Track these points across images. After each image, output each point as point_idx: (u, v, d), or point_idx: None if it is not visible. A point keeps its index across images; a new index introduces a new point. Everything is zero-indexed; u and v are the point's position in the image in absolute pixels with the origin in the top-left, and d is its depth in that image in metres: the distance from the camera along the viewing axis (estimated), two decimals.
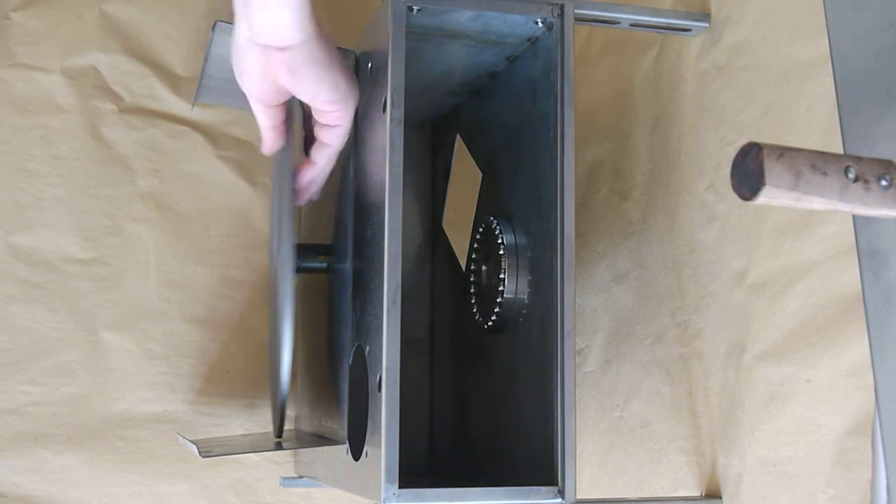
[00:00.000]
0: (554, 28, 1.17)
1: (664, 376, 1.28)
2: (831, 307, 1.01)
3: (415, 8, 1.13)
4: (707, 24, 1.23)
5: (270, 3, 1.00)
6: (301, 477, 1.49)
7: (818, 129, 1.04)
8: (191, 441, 1.26)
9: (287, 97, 1.14)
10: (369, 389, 1.11)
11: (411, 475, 1.08)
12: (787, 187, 0.63)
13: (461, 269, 1.42)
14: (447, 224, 1.51)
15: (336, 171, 1.24)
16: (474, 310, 1.34)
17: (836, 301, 1.00)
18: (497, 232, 1.26)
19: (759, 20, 1.14)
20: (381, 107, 1.12)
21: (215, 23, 1.24)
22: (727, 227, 1.17)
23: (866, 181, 0.66)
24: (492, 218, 1.29)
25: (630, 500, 1.24)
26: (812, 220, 1.04)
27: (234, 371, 1.51)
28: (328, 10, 1.61)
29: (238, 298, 1.53)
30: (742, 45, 1.17)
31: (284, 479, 1.49)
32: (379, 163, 1.12)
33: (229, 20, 1.58)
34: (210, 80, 1.36)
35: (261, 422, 1.52)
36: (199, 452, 1.18)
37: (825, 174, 0.65)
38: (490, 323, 1.28)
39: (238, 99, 1.42)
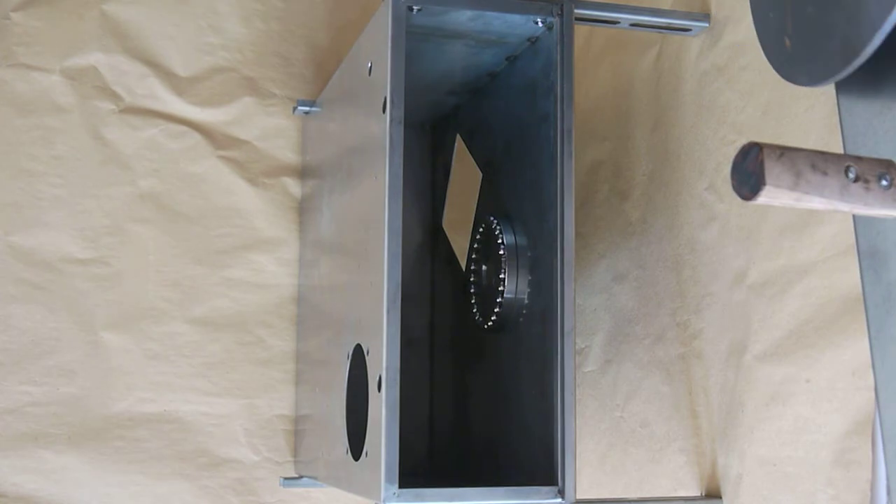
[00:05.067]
0: (554, 28, 1.17)
1: (664, 376, 1.27)
2: (831, 307, 1.01)
3: (415, 8, 1.13)
4: (707, 24, 1.23)
5: None
6: (301, 477, 1.49)
7: (818, 129, 1.04)
8: None
9: None
10: (369, 389, 1.11)
11: (411, 475, 1.08)
12: (787, 187, 0.63)
13: (461, 269, 1.42)
14: (447, 224, 1.51)
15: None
16: (474, 310, 1.34)
17: (836, 301, 1.00)
18: (497, 232, 1.26)
19: None
20: (381, 107, 1.12)
21: None
22: (727, 227, 1.17)
23: (866, 181, 0.66)
24: (492, 218, 1.29)
25: (630, 500, 1.24)
26: (812, 220, 1.04)
27: (234, 371, 1.51)
28: (328, 10, 1.61)
29: (238, 298, 1.53)
30: (742, 45, 1.17)
31: (284, 479, 1.49)
32: (379, 163, 1.12)
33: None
34: None
35: (261, 422, 1.52)
36: None
37: (825, 174, 0.65)
38: (490, 323, 1.28)
39: None
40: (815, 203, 0.65)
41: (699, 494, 1.19)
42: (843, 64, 0.73)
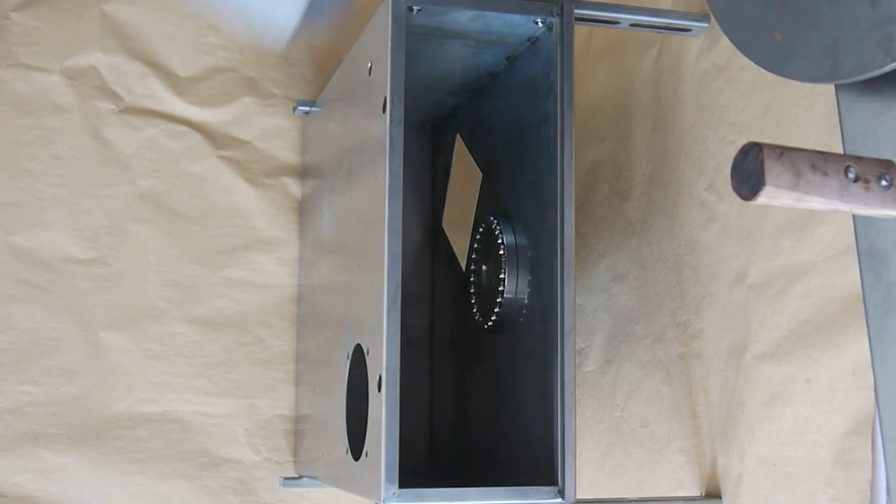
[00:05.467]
0: (554, 28, 1.17)
1: (664, 376, 1.27)
2: (831, 307, 1.01)
3: (415, 8, 1.13)
4: (707, 24, 1.23)
5: None
6: (301, 477, 1.49)
7: (818, 129, 1.04)
8: None
9: None
10: (369, 389, 1.11)
11: (411, 475, 1.08)
12: (787, 187, 0.63)
13: (461, 269, 1.42)
14: (447, 224, 1.51)
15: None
16: (474, 310, 1.34)
17: (836, 301, 1.00)
18: (497, 232, 1.26)
19: None
20: (381, 107, 1.12)
21: None
22: (727, 227, 1.17)
23: (866, 181, 0.66)
24: (492, 218, 1.29)
25: (630, 500, 1.24)
26: (812, 220, 1.04)
27: (234, 371, 1.51)
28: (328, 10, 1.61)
29: (238, 298, 1.53)
30: None
31: (284, 479, 1.49)
32: (379, 163, 1.12)
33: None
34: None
35: (261, 422, 1.52)
36: None
37: (825, 174, 0.65)
38: (490, 323, 1.28)
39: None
40: (815, 203, 0.65)
41: (699, 494, 1.19)
42: (885, 59, 0.73)
